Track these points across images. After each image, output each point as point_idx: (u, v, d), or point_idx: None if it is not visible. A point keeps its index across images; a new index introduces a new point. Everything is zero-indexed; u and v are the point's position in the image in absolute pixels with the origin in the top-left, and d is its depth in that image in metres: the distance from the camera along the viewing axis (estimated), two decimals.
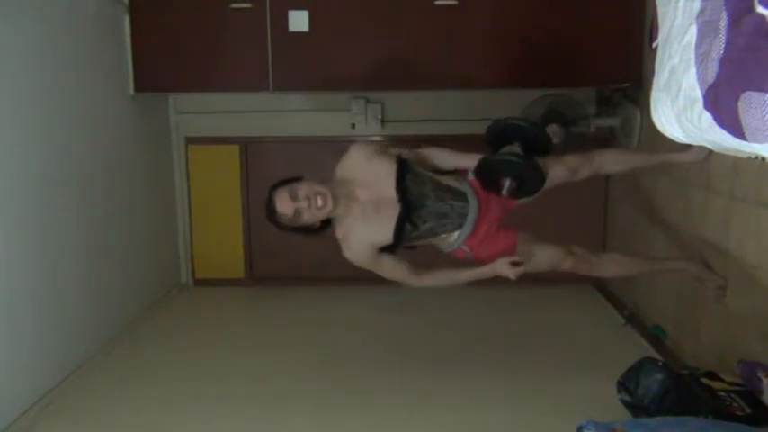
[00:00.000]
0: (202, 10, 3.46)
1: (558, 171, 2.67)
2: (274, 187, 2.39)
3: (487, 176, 2.60)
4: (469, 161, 2.62)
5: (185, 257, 4.40)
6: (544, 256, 2.63)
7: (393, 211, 2.39)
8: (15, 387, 2.56)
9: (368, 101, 4.08)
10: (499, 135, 2.73)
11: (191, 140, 4.28)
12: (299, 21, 3.41)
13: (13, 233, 2.57)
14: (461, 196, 2.53)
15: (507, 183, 2.56)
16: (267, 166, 4.27)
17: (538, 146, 2.69)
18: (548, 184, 2.67)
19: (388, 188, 2.40)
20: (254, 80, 3.54)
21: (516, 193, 2.60)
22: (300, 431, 2.53)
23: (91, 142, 3.21)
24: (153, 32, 3.52)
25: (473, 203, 2.54)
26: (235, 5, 3.40)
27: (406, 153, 2.59)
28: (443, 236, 2.55)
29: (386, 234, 2.40)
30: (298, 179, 2.39)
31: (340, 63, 3.49)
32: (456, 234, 2.54)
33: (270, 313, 3.93)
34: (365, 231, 2.41)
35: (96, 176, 3.24)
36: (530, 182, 2.60)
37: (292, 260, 4.13)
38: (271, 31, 3.45)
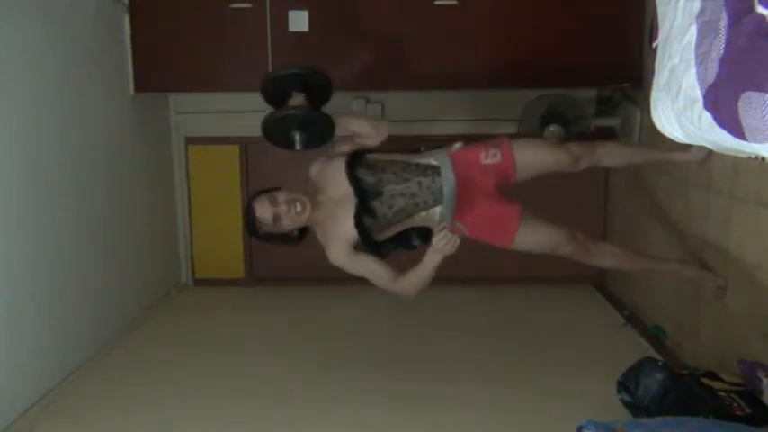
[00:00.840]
0: (202, 10, 3.47)
1: (561, 157, 2.68)
2: (254, 197, 2.47)
3: (279, 138, 2.61)
4: (377, 124, 2.68)
5: (185, 257, 4.40)
6: (547, 238, 2.62)
7: (350, 205, 2.44)
8: (15, 387, 2.56)
9: (368, 101, 4.08)
10: (272, 91, 2.70)
11: (191, 140, 4.28)
12: (299, 21, 3.40)
13: (13, 233, 2.57)
14: (433, 170, 2.53)
15: (297, 136, 2.56)
16: (267, 166, 4.27)
17: (316, 86, 2.68)
18: (549, 168, 2.67)
19: (343, 185, 2.46)
20: (254, 80, 3.50)
21: (311, 142, 2.61)
22: (300, 431, 2.53)
23: (91, 142, 3.21)
24: (153, 32, 3.52)
25: (448, 177, 2.53)
26: (235, 5, 3.40)
27: (349, 145, 2.63)
28: (423, 214, 2.53)
29: (348, 228, 2.44)
30: (276, 189, 2.45)
31: (340, 63, 3.48)
32: (438, 210, 2.53)
33: (270, 313, 3.93)
34: (333, 231, 2.47)
35: (96, 176, 3.24)
36: (318, 126, 2.58)
37: (292, 260, 4.12)
38: (271, 31, 3.45)
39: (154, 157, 4.04)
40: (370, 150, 2.64)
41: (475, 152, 2.63)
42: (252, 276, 4.41)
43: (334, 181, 2.49)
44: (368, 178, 2.48)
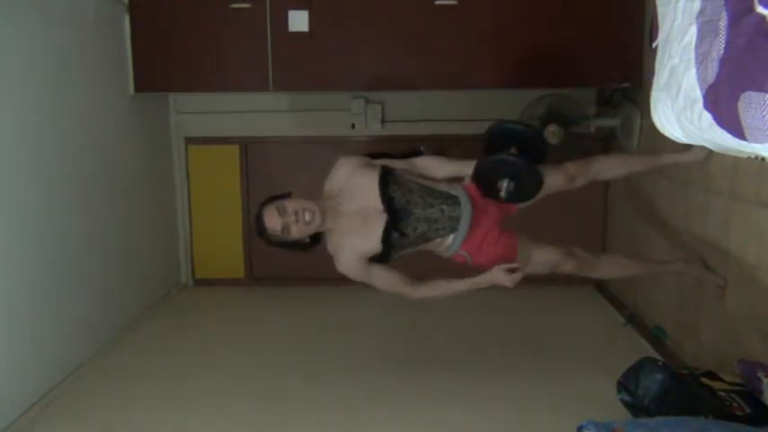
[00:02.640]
0: (202, 10, 3.47)
1: (557, 179, 2.66)
2: (263, 204, 2.43)
3: (485, 182, 2.57)
4: (467, 168, 2.60)
5: (185, 257, 4.40)
6: (545, 259, 2.63)
7: (380, 221, 2.41)
8: (15, 387, 2.56)
9: (368, 101, 4.08)
10: (494, 140, 2.70)
11: (191, 140, 4.28)
12: (299, 21, 3.40)
13: (13, 233, 2.57)
14: (453, 200, 2.53)
15: (505, 184, 2.52)
16: (267, 166, 4.28)
17: (534, 150, 2.66)
18: (546, 191, 2.65)
19: (373, 199, 2.42)
20: (254, 80, 3.54)
21: (515, 195, 2.55)
22: (300, 431, 2.53)
23: (91, 142, 3.21)
24: (153, 32, 3.52)
25: (466, 207, 2.53)
26: (235, 5, 3.40)
27: (398, 164, 2.58)
28: (438, 240, 2.54)
29: (373, 244, 2.42)
30: (286, 195, 2.42)
31: (340, 63, 3.49)
32: (451, 238, 2.54)
33: (270, 313, 3.93)
34: (353, 243, 2.43)
35: (96, 176, 3.24)
36: (527, 182, 2.56)
37: (292, 260, 4.09)
38: (271, 31, 3.45)
39: (154, 157, 4.04)
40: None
41: None
42: (252, 276, 4.41)
43: (365, 193, 2.44)
44: (399, 198, 2.45)
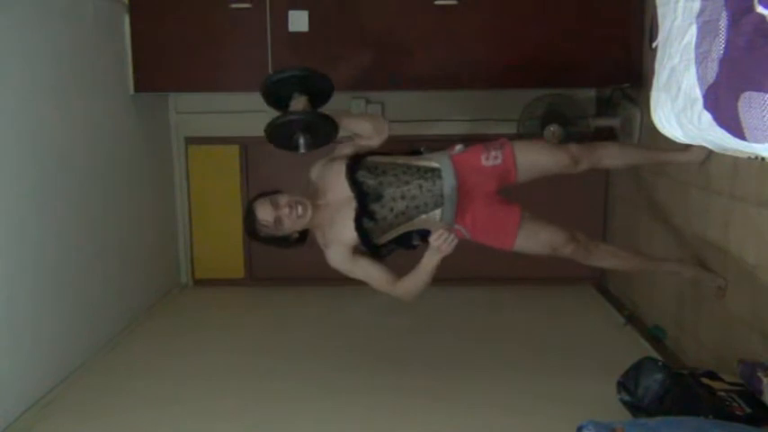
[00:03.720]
0: (202, 10, 3.46)
1: (561, 159, 2.66)
2: (253, 200, 2.48)
3: (282, 140, 2.60)
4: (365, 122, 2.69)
5: (185, 257, 4.40)
6: (547, 237, 2.61)
7: (351, 209, 2.44)
8: (15, 387, 2.56)
9: (368, 101, 4.08)
10: (274, 93, 2.72)
11: (191, 140, 4.28)
12: (299, 21, 3.40)
13: (12, 233, 2.57)
14: (433, 173, 2.53)
15: (300, 139, 2.56)
16: (267, 166, 4.27)
17: (317, 87, 2.69)
18: (547, 171, 2.67)
19: (344, 188, 2.47)
20: (254, 80, 3.51)
21: (314, 145, 2.59)
22: (300, 430, 2.53)
23: (91, 142, 3.21)
24: (153, 32, 3.51)
25: (448, 179, 2.52)
26: (235, 5, 3.40)
27: (350, 147, 2.66)
28: (424, 217, 2.53)
29: (350, 233, 2.45)
30: (276, 192, 2.45)
31: (340, 63, 3.49)
32: (438, 213, 2.53)
33: (270, 313, 3.93)
34: (333, 234, 2.47)
35: (96, 176, 3.24)
36: (322, 129, 2.58)
37: (292, 260, 4.11)
38: (271, 31, 3.45)
39: (154, 157, 4.04)
40: (370, 153, 2.64)
41: (476, 154, 2.62)
42: (252, 276, 4.40)
43: (335, 184, 2.48)
44: (369, 181, 2.48)
